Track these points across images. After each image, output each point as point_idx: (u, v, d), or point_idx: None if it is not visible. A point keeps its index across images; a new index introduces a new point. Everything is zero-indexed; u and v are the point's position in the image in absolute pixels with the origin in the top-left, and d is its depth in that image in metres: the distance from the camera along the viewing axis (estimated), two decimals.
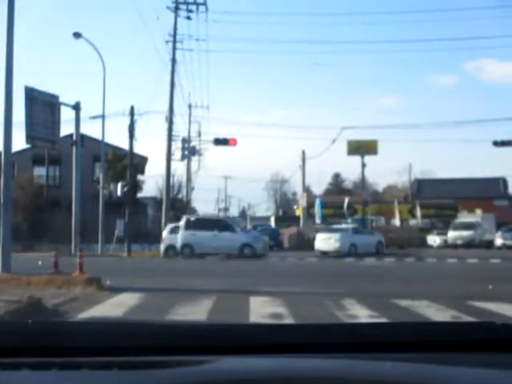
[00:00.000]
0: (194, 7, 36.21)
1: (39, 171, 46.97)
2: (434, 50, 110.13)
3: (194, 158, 48.35)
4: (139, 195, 47.51)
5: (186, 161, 45.97)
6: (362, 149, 47.35)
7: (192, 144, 44.15)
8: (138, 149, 43.14)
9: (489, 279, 13.97)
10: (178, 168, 70.33)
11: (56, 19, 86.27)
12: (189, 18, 36.38)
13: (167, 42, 36.12)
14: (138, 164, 42.62)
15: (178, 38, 36.22)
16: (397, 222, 50.11)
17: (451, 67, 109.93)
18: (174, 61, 35.85)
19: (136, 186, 44.20)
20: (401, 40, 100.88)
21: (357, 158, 48.12)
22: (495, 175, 60.05)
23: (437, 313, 8.93)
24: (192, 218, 29.76)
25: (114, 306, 9.55)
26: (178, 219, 31.65)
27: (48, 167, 44.93)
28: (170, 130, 36.01)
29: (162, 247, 29.85)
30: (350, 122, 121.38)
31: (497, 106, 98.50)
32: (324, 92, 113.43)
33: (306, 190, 53.80)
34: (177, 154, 39.14)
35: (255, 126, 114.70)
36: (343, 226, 35.71)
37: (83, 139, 31.68)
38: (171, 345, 1.49)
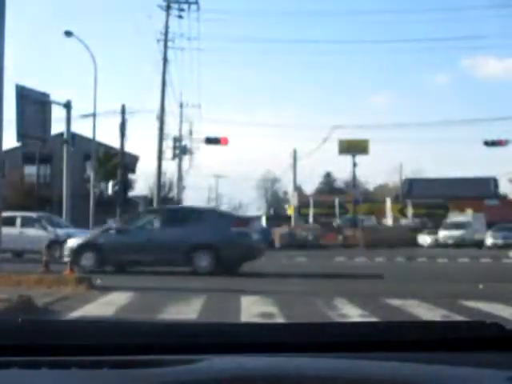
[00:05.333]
0: (185, 6, 36.18)
1: (30, 170, 46.81)
2: (427, 49, 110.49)
3: (185, 157, 48.35)
4: (130, 194, 47.40)
5: (177, 160, 45.93)
6: (353, 148, 47.39)
7: (183, 143, 44.17)
8: (129, 147, 42.96)
9: (479, 278, 14.01)
10: (169, 167, 70.36)
11: (47, 17, 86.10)
12: (180, 16, 36.34)
13: (159, 40, 36.06)
14: (129, 163, 42.55)
15: (169, 36, 36.17)
16: (389, 221, 50.08)
17: (445, 66, 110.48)
18: (165, 60, 35.78)
19: (127, 185, 44.12)
20: (394, 39, 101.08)
21: (348, 157, 48.23)
22: (486, 175, 60.21)
23: (427, 312, 8.95)
24: None
25: (105, 305, 9.53)
26: None
27: (39, 166, 44.80)
28: (161, 128, 35.94)
29: None
30: (341, 121, 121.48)
31: (490, 104, 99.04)
32: (315, 91, 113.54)
33: (298, 189, 53.78)
34: (168, 152, 39.13)
35: (246, 125, 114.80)
36: None
37: (74, 138, 31.51)
38: (162, 344, 1.49)
